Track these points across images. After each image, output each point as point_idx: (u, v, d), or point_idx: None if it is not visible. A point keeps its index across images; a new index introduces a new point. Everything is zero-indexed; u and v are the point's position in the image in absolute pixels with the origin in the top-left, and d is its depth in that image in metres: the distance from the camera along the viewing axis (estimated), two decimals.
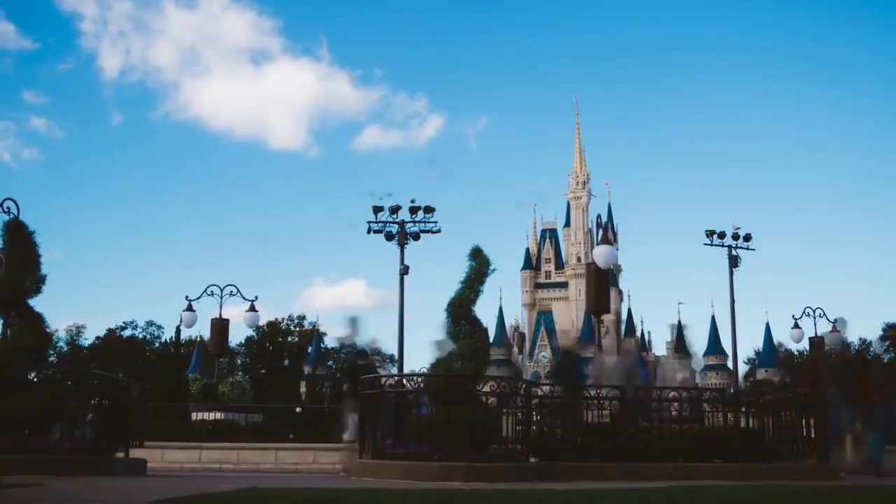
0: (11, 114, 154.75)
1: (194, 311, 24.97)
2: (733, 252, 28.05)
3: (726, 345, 49.39)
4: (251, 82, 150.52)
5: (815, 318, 27.55)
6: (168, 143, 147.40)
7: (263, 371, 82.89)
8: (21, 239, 12.44)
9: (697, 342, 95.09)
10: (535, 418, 13.45)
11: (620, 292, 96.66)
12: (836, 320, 24.87)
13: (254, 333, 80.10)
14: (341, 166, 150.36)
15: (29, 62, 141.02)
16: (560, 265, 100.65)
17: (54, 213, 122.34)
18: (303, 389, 70.08)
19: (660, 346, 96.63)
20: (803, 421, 13.71)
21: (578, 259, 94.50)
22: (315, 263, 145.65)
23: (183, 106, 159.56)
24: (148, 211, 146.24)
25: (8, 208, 12.68)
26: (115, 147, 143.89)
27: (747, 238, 28.50)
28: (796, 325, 28.03)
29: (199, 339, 57.26)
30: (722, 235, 28.26)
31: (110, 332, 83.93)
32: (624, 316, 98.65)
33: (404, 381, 12.80)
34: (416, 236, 24.76)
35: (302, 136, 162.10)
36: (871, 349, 76.96)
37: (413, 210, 24.89)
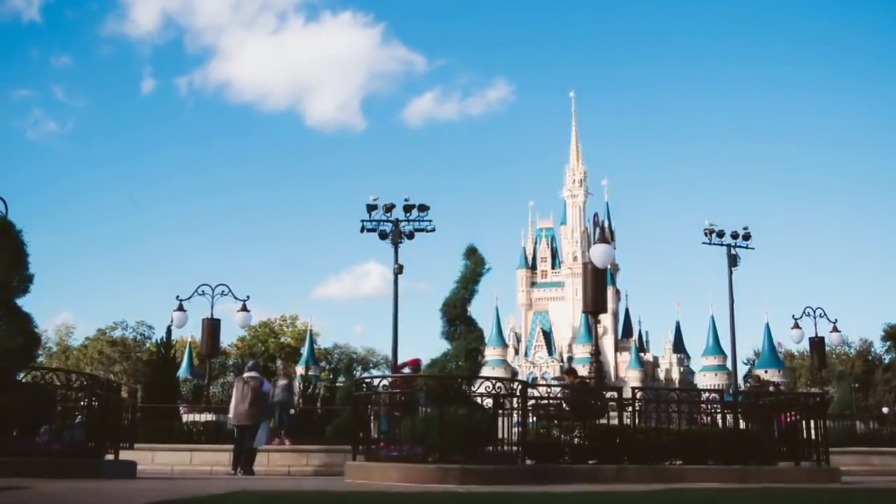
0: (30, 83, 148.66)
1: (185, 310, 24.62)
2: (732, 251, 27.91)
3: (725, 345, 49.37)
4: (296, 43, 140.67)
5: (815, 318, 27.49)
6: (189, 125, 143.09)
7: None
8: (9, 238, 12.24)
9: (697, 342, 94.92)
10: (531, 420, 13.29)
11: (618, 292, 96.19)
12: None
13: (246, 333, 79.83)
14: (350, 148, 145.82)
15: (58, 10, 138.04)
16: (556, 264, 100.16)
17: (56, 201, 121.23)
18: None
19: (658, 345, 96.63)
20: (804, 422, 13.58)
21: (575, 258, 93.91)
22: (327, 254, 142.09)
23: (209, 73, 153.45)
24: (147, 202, 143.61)
25: None
26: (127, 132, 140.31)
27: (746, 237, 28.36)
28: (796, 325, 27.94)
29: (190, 339, 56.89)
30: (721, 234, 28.10)
31: (100, 332, 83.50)
32: (622, 315, 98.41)
33: (398, 382, 12.61)
34: (410, 235, 24.57)
35: (337, 108, 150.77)
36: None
37: (407, 208, 24.67)
